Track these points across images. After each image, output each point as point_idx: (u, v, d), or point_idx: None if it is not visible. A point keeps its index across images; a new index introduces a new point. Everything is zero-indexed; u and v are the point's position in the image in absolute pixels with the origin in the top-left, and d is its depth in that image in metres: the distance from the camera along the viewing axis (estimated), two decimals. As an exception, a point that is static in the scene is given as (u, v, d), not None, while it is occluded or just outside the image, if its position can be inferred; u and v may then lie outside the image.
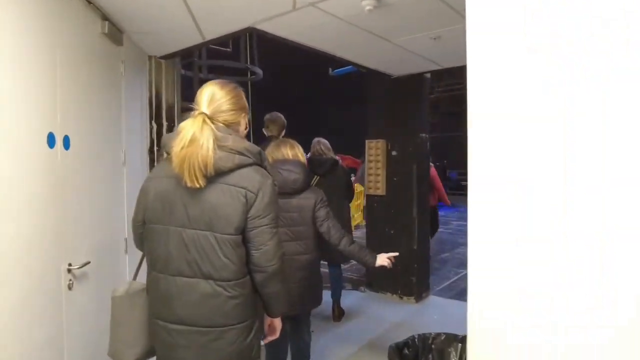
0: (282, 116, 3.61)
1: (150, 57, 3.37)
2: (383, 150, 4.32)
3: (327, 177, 3.48)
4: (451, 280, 5.11)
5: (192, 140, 1.27)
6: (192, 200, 1.33)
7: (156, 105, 3.45)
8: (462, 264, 5.87)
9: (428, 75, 4.30)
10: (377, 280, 4.47)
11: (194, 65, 3.93)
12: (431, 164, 6.09)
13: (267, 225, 1.37)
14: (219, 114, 1.36)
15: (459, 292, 4.61)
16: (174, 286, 1.35)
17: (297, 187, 2.23)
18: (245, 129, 1.50)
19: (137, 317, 1.48)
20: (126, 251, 2.76)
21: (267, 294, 1.44)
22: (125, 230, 2.64)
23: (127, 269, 2.73)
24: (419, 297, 4.26)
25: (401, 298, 4.29)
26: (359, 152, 7.05)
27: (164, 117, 3.53)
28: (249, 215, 1.34)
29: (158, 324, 1.40)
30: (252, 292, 1.42)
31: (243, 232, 1.35)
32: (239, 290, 1.36)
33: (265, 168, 1.43)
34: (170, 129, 3.48)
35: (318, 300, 2.49)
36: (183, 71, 4.54)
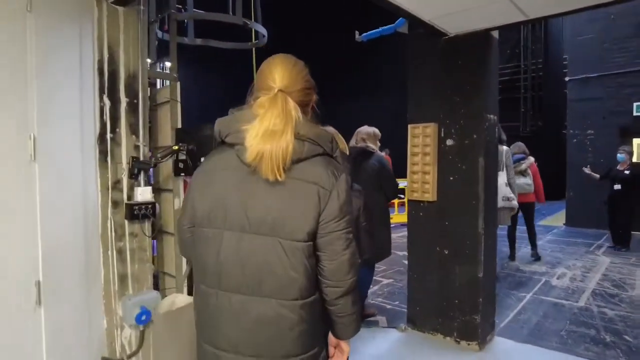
0: None
1: (99, 1, 2.33)
2: (433, 138, 3.13)
3: (356, 168, 3.27)
4: (516, 311, 3.89)
5: (277, 124, 1.08)
6: (254, 199, 1.12)
7: (110, 74, 2.42)
8: (521, 283, 4.63)
9: (496, 34, 3.09)
10: (422, 316, 3.31)
11: (171, 19, 2.79)
12: (529, 157, 5.20)
13: (343, 230, 1.14)
14: (294, 93, 1.16)
15: (533, 331, 3.41)
16: (228, 305, 1.13)
17: None
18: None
19: (182, 338, 1.35)
20: (39, 302, 1.77)
21: (340, 313, 1.20)
22: (39, 270, 1.95)
23: (43, 333, 1.96)
24: (483, 342, 3.07)
25: (458, 342, 3.11)
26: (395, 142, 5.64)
27: (123, 91, 2.47)
28: (321, 219, 1.12)
29: (207, 350, 1.20)
30: (322, 313, 1.20)
31: (314, 238, 1.13)
32: (307, 311, 1.14)
33: (336, 159, 1.19)
34: (133, 107, 2.47)
35: None
36: (160, 32, 3.41)
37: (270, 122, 1.08)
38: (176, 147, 2.63)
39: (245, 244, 1.12)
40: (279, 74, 1.16)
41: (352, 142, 3.50)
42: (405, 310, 3.48)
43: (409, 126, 3.26)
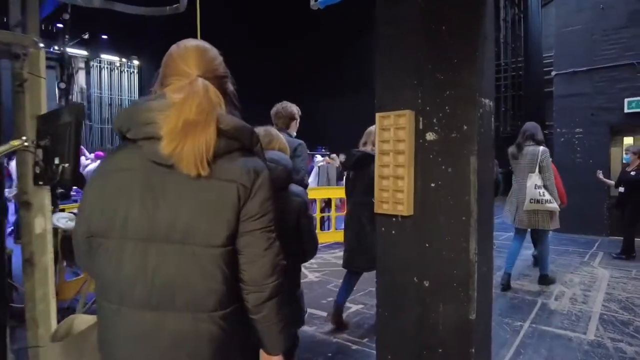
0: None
1: None
2: (409, 131, 2.31)
3: (357, 173, 3.31)
4: (513, 350, 3.11)
5: (199, 114, 0.99)
6: (161, 203, 1.01)
7: None
8: (514, 307, 3.88)
9: (490, -9, 2.30)
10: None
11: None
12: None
13: (263, 228, 1.07)
14: (212, 79, 1.08)
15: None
16: (136, 324, 1.02)
17: (279, 184, 1.77)
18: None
19: None
20: None
21: (265, 321, 1.11)
22: None
23: None
24: (475, 404, 2.27)
25: (443, 406, 2.30)
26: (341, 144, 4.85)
27: None
28: (240, 218, 1.05)
29: None
30: (246, 324, 1.11)
31: (234, 241, 1.05)
32: (229, 322, 1.05)
33: (257, 154, 1.13)
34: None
35: (299, 320, 2.13)
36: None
37: (190, 112, 0.99)
38: (16, 143, 1.75)
39: (152, 254, 1.01)
40: (195, 59, 1.08)
41: (361, 144, 3.40)
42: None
43: (377, 115, 2.43)
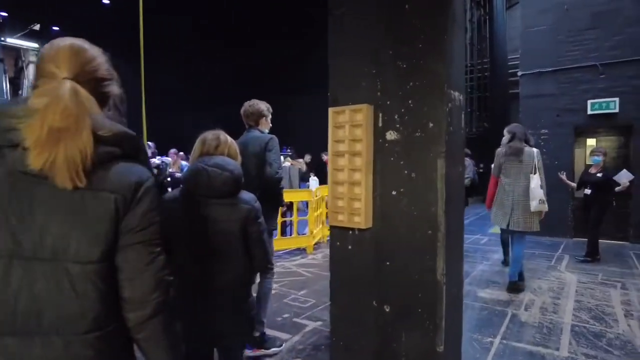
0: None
1: None
2: (366, 128, 1.97)
3: None
4: (483, 369, 2.83)
5: (65, 121, 0.91)
6: (26, 216, 0.92)
7: None
8: (483, 320, 3.63)
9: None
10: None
11: None
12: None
13: (145, 242, 1.01)
14: (86, 82, 0.99)
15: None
16: None
17: (225, 190, 1.77)
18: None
19: None
20: None
21: (149, 342, 1.03)
22: None
23: None
24: None
25: None
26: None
27: None
28: (119, 230, 0.98)
29: None
30: (126, 346, 1.04)
31: (113, 256, 0.98)
32: (108, 344, 0.98)
33: (142, 162, 1.06)
34: None
35: (247, 331, 1.94)
36: None
37: (55, 118, 0.91)
38: None
39: (16, 274, 0.92)
40: (66, 59, 0.99)
41: None
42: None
43: (330, 110, 2.08)
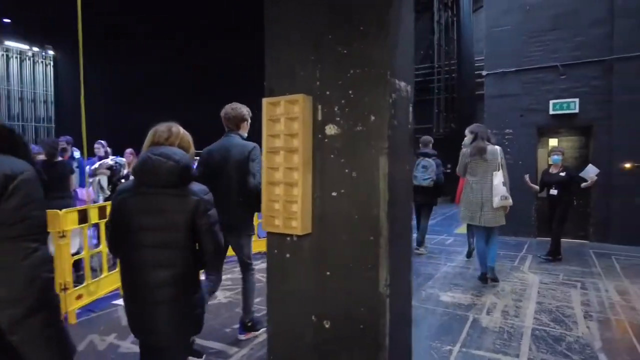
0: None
1: None
2: (304, 121, 1.75)
3: None
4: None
5: None
6: None
7: None
8: (443, 326, 3.48)
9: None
10: None
11: None
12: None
13: (18, 237, 0.98)
14: None
15: None
16: None
17: (171, 180, 1.73)
18: None
19: None
20: None
21: (24, 344, 0.99)
22: None
23: None
24: None
25: None
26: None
27: None
28: None
29: None
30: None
31: None
32: None
33: (21, 155, 1.05)
34: None
35: (193, 329, 1.88)
36: None
37: None
38: None
39: None
40: None
41: None
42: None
43: (264, 101, 1.84)
